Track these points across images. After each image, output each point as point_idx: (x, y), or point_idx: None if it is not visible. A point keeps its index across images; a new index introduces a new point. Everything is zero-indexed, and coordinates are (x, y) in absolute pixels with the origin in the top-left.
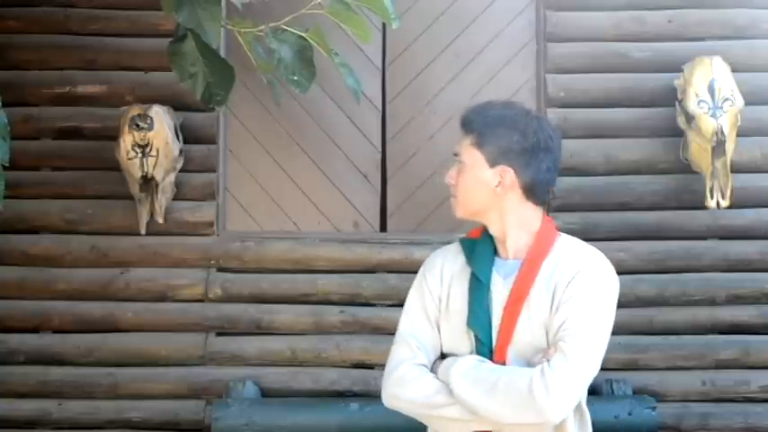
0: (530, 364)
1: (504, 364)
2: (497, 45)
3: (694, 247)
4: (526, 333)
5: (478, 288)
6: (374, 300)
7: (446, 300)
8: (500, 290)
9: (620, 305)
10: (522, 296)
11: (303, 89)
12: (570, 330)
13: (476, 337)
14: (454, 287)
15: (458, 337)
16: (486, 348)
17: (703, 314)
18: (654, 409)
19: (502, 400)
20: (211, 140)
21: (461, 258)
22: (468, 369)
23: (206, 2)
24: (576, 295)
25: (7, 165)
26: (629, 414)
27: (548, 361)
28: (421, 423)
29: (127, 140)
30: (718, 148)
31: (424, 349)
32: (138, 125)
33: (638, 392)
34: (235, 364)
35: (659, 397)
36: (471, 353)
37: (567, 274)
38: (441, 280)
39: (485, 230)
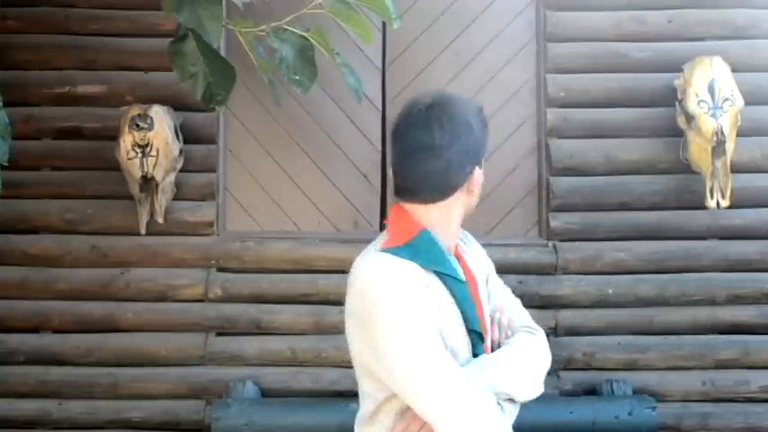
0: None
1: (491, 350)
2: (497, 45)
3: (694, 247)
4: (487, 316)
5: (459, 287)
6: None
7: (439, 306)
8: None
9: (620, 305)
10: (477, 284)
11: (305, 89)
12: (508, 296)
13: (475, 334)
14: (438, 292)
15: (456, 340)
16: (482, 343)
17: (703, 314)
18: (654, 409)
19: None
20: (211, 140)
21: (413, 265)
22: (509, 365)
23: (207, 2)
24: (491, 266)
25: (6, 164)
26: (629, 414)
27: (528, 328)
28: None
29: (127, 140)
30: (718, 148)
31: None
32: (138, 125)
33: (638, 392)
34: (235, 364)
35: (659, 397)
36: (469, 352)
37: (478, 253)
38: (426, 287)
39: (420, 234)
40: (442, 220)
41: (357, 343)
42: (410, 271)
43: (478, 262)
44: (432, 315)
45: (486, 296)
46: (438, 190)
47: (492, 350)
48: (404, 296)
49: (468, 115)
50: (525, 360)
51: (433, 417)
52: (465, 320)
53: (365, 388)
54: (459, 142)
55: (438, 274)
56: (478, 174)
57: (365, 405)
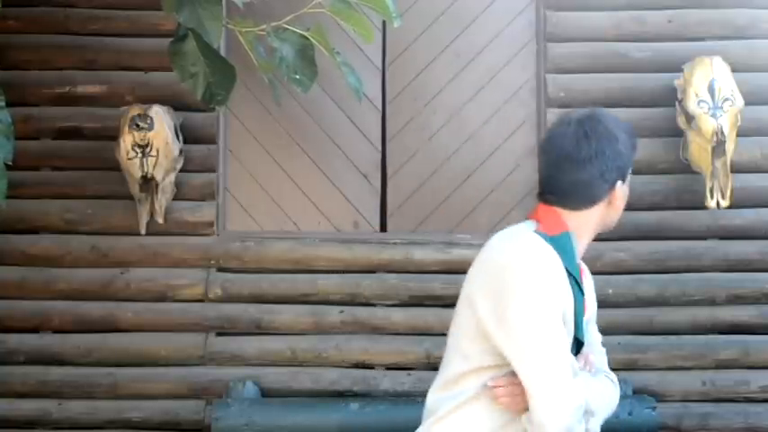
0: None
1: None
2: (497, 45)
3: (694, 247)
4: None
5: (579, 295)
6: (374, 300)
7: (566, 306)
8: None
9: (620, 305)
10: (586, 307)
11: (305, 88)
12: (599, 340)
13: (576, 343)
14: (568, 289)
15: (567, 343)
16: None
17: (703, 314)
18: (654, 409)
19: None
20: (211, 140)
21: (555, 256)
22: (597, 391)
23: (207, 2)
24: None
25: (11, 164)
26: (629, 414)
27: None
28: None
29: (127, 140)
30: (718, 148)
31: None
32: (138, 125)
33: (638, 392)
34: (235, 364)
35: (659, 397)
36: None
37: (591, 286)
38: (565, 278)
39: (565, 233)
40: (580, 227)
41: (484, 307)
42: (557, 259)
43: (591, 294)
44: (563, 305)
45: (593, 325)
46: (581, 200)
47: None
48: (547, 278)
49: (615, 130)
50: (606, 397)
51: (534, 391)
52: (575, 326)
53: (466, 347)
54: (603, 156)
55: (568, 274)
56: (621, 188)
57: (456, 364)
